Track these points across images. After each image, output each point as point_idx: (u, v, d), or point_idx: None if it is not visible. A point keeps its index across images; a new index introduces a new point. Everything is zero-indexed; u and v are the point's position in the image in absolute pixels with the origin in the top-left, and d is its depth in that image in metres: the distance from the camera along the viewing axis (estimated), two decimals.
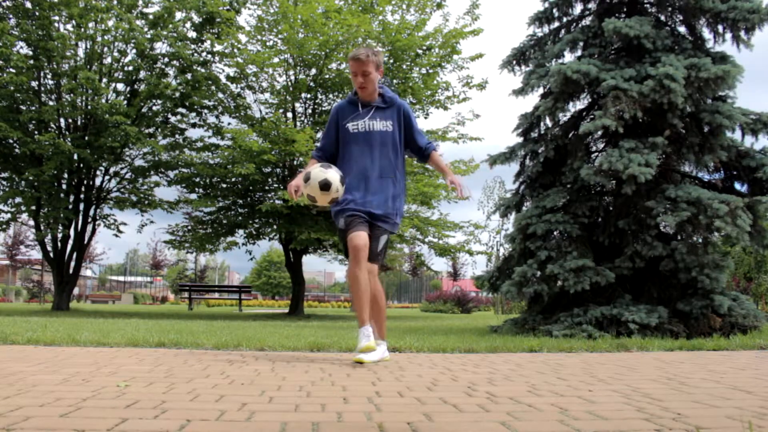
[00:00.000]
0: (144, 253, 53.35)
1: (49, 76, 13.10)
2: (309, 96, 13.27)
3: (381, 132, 3.35)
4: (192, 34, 13.60)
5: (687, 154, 5.73)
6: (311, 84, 12.81)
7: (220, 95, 13.61)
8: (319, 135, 11.90)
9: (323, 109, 13.43)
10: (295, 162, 12.50)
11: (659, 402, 1.96)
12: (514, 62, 6.94)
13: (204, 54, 13.81)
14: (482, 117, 52.10)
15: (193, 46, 13.57)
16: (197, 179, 13.38)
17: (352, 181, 3.29)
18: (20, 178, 12.91)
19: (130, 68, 13.26)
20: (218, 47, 13.37)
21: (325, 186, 3.10)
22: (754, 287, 10.19)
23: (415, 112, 13.84)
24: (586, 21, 6.65)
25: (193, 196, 13.60)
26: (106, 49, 13.24)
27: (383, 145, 3.35)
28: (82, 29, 12.63)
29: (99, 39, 12.88)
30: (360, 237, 3.17)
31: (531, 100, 48.03)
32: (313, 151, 3.62)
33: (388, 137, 3.36)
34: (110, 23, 12.91)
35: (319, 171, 3.14)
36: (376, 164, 3.31)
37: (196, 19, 13.53)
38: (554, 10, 6.76)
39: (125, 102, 13.02)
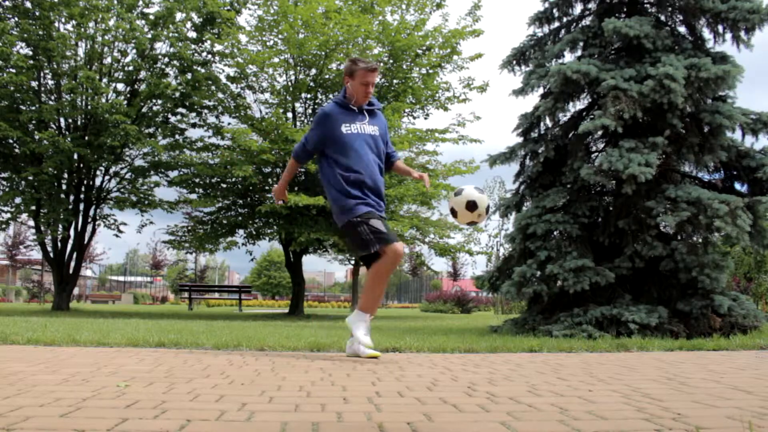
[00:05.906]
0: (144, 253, 53.37)
1: (49, 76, 13.10)
2: (309, 96, 13.27)
3: (372, 135, 3.41)
4: (192, 34, 13.61)
5: (687, 154, 5.73)
6: (311, 84, 12.81)
7: (220, 95, 13.61)
8: None
9: None
10: None
11: (659, 402, 1.96)
12: (514, 62, 6.94)
13: (204, 54, 13.81)
14: (482, 117, 52.13)
15: (193, 46, 13.57)
16: (197, 179, 13.38)
17: (366, 180, 3.31)
18: (20, 178, 12.91)
19: (131, 68, 13.26)
20: (218, 47, 13.37)
21: (471, 206, 3.34)
22: (754, 287, 10.17)
23: (415, 112, 13.90)
24: (586, 21, 6.65)
25: (193, 196, 13.60)
26: (106, 48, 13.24)
27: (376, 146, 3.41)
28: (83, 29, 12.63)
29: (99, 39, 12.88)
30: (402, 246, 3.39)
31: (531, 100, 48.05)
32: (299, 149, 3.51)
33: (378, 140, 3.43)
34: (111, 23, 12.92)
35: (473, 190, 3.37)
36: (374, 167, 3.37)
37: (197, 19, 13.53)
38: (554, 10, 6.76)
39: (125, 102, 13.02)
